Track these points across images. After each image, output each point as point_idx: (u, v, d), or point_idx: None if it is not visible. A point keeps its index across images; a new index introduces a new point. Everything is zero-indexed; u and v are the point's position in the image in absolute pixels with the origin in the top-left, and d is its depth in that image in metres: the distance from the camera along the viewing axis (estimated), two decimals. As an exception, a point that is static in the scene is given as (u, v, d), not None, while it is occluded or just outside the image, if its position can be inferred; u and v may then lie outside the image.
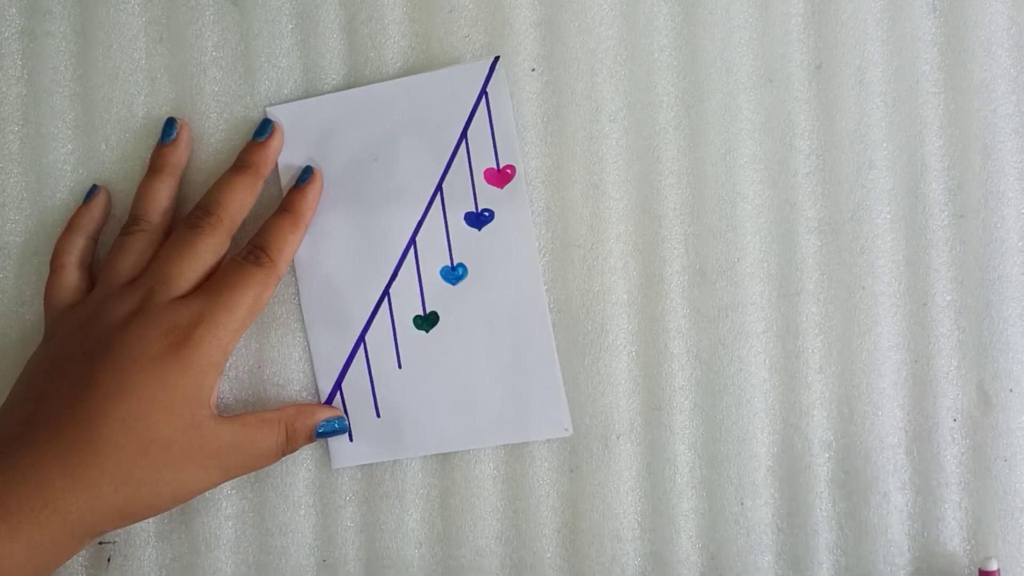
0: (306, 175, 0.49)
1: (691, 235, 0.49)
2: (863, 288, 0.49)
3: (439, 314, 0.49)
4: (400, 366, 0.49)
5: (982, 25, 0.49)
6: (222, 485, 0.49)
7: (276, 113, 0.49)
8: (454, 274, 0.49)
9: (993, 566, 0.47)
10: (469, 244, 0.49)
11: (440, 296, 0.49)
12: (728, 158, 0.49)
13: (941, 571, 0.48)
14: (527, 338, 0.48)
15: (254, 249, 0.46)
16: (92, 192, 0.49)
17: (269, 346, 0.49)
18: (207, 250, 0.46)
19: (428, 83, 0.49)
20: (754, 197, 0.49)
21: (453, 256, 0.49)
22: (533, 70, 0.49)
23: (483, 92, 0.49)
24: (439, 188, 0.49)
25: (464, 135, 0.49)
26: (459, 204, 0.49)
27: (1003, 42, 0.49)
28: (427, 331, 0.49)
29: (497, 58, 0.49)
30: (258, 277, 0.46)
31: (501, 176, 0.49)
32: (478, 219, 0.49)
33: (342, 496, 0.49)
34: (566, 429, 0.48)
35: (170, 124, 0.49)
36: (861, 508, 0.48)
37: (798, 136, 0.49)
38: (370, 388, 0.49)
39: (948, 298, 0.49)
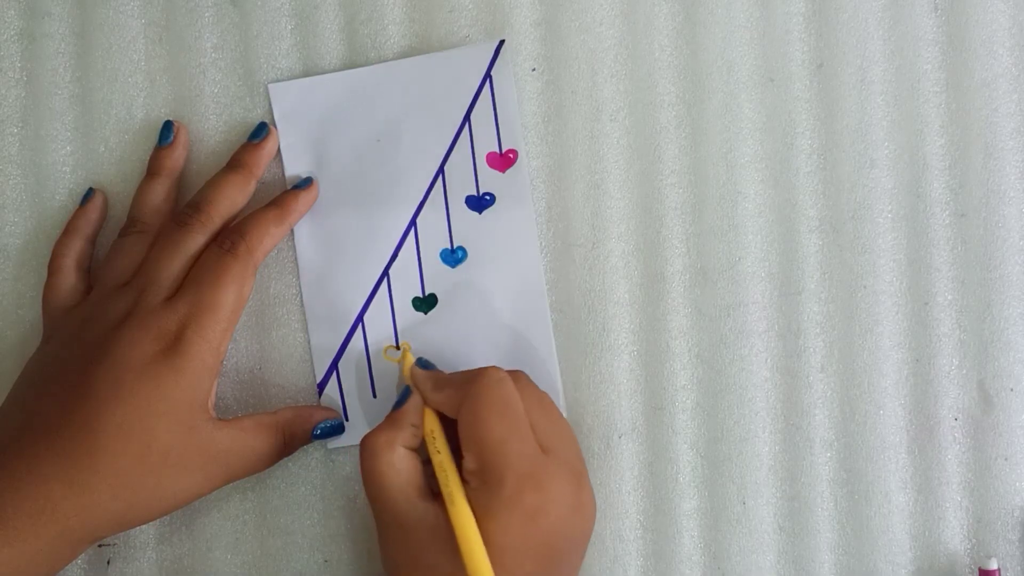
0: (305, 182, 0.49)
1: (692, 234, 0.49)
2: (864, 287, 0.49)
3: (438, 296, 0.49)
4: (398, 347, 0.49)
5: (983, 24, 0.49)
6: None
7: (278, 90, 0.49)
8: (453, 257, 0.49)
9: (993, 565, 0.47)
10: (469, 227, 0.49)
11: (439, 278, 0.49)
12: (729, 157, 0.49)
13: (942, 570, 0.48)
14: (524, 322, 0.48)
15: (231, 234, 0.46)
16: (88, 195, 0.49)
17: (269, 346, 0.49)
18: (196, 248, 0.46)
19: (432, 64, 0.49)
20: (755, 196, 0.49)
21: (453, 239, 0.49)
22: (533, 70, 0.49)
23: (487, 75, 0.49)
24: (441, 170, 0.49)
25: (467, 117, 0.49)
26: (460, 187, 0.49)
27: (1004, 41, 0.49)
28: (426, 312, 0.49)
29: (502, 42, 0.49)
30: (235, 271, 0.45)
31: (503, 160, 0.49)
32: (479, 202, 0.49)
33: (343, 496, 0.49)
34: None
35: (167, 127, 0.49)
36: (862, 507, 0.48)
37: (799, 135, 0.49)
38: (367, 368, 0.49)
39: (949, 297, 0.49)
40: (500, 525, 0.40)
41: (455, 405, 0.43)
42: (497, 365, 0.44)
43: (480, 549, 0.39)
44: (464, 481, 0.42)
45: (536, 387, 0.44)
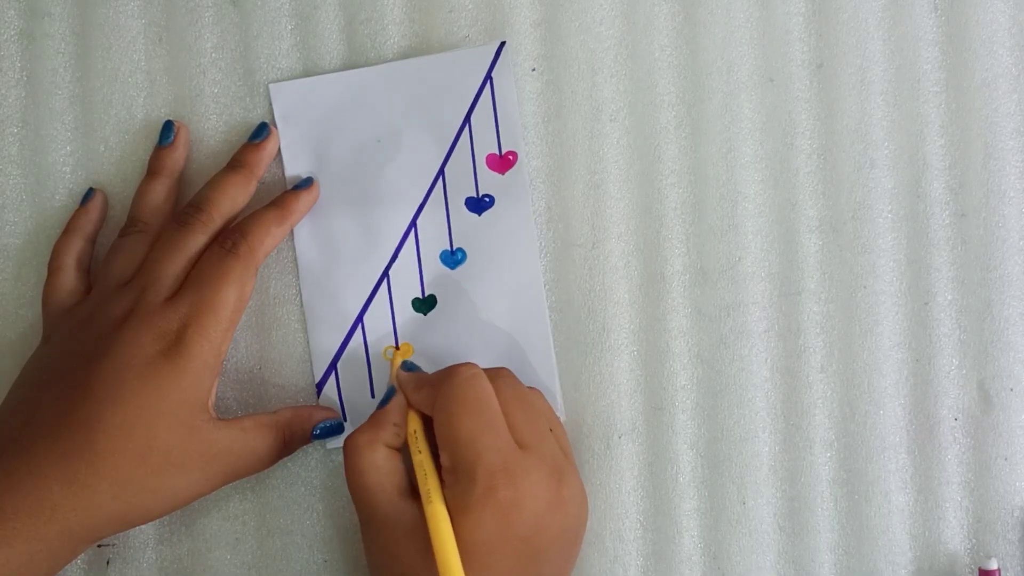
0: (305, 182, 0.49)
1: (692, 234, 0.49)
2: (864, 287, 0.49)
3: (438, 297, 0.49)
4: (397, 347, 0.49)
5: (983, 24, 0.49)
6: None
7: (279, 90, 0.49)
8: (453, 258, 0.49)
9: (993, 565, 0.47)
10: (468, 229, 0.49)
11: (439, 280, 0.49)
12: (729, 157, 0.49)
13: (942, 570, 0.48)
14: (523, 323, 0.48)
15: (232, 234, 0.46)
16: (88, 195, 0.49)
17: (269, 346, 0.49)
18: (197, 248, 0.46)
19: (433, 65, 0.49)
20: (755, 196, 0.49)
21: (453, 240, 0.49)
22: (533, 70, 0.49)
23: (488, 77, 0.49)
24: (441, 172, 0.49)
25: (467, 119, 0.49)
26: (460, 188, 0.49)
27: (1004, 41, 0.49)
28: (425, 314, 0.49)
29: (503, 43, 0.49)
30: (237, 271, 0.45)
31: (503, 162, 0.49)
32: (478, 204, 0.49)
33: (342, 496, 0.49)
34: (559, 416, 0.48)
35: (168, 127, 0.49)
36: (862, 507, 0.48)
37: (799, 135, 0.49)
38: (367, 368, 0.49)
39: (949, 297, 0.49)
40: (473, 521, 0.40)
41: (432, 403, 0.43)
42: (495, 365, 0.45)
43: (452, 548, 0.39)
44: (442, 480, 0.42)
45: (518, 383, 0.44)
